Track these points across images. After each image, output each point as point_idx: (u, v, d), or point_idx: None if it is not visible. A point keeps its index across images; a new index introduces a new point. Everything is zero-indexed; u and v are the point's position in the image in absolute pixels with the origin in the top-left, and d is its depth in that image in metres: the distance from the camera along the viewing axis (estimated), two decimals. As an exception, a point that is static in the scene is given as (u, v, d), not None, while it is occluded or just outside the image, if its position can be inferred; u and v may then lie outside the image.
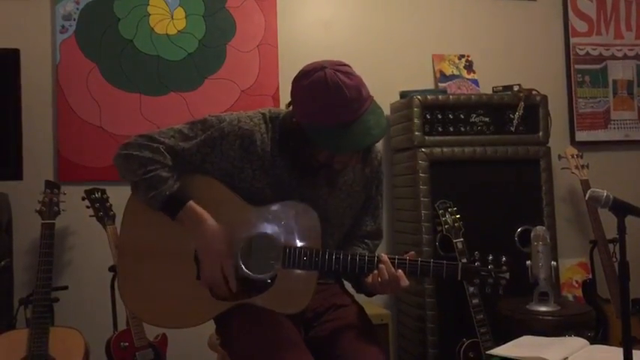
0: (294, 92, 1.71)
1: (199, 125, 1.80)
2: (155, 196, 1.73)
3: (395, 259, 1.74)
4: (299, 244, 1.74)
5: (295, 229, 1.75)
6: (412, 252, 1.81)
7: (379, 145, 1.94)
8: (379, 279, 1.72)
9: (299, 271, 1.73)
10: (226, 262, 1.72)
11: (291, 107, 1.75)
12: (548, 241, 2.66)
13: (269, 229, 1.76)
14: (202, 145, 1.77)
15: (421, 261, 1.76)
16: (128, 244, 1.81)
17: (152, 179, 1.73)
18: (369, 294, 1.87)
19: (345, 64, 1.68)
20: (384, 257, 1.74)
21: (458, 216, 2.82)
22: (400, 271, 1.72)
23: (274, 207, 1.77)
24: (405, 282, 1.72)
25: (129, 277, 1.79)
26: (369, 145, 1.73)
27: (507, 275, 1.80)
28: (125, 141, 1.81)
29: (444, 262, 1.76)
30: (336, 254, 1.74)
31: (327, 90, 1.61)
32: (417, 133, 3.02)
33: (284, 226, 1.75)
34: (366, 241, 1.97)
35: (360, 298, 1.98)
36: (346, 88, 1.61)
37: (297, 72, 1.70)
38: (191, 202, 1.75)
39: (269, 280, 1.74)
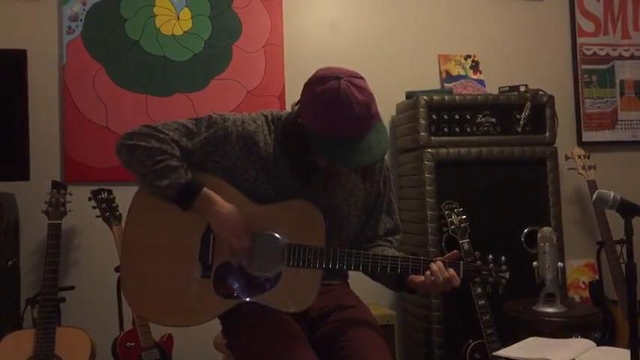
0: (304, 95, 1.69)
1: (204, 122, 1.80)
2: (170, 185, 1.72)
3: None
4: (303, 242, 1.74)
5: (299, 227, 1.75)
6: (455, 251, 1.82)
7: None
8: (432, 280, 1.71)
9: (303, 270, 1.73)
10: (244, 234, 1.72)
11: (297, 107, 1.74)
12: (555, 242, 2.65)
13: (273, 227, 1.76)
14: (205, 142, 1.77)
15: (423, 259, 1.76)
16: (131, 244, 1.80)
17: (163, 170, 1.72)
18: (412, 292, 1.86)
19: (361, 77, 1.66)
20: (439, 262, 1.74)
21: (464, 217, 2.81)
22: (452, 270, 1.72)
23: (278, 206, 1.77)
24: (457, 281, 1.73)
25: (132, 276, 1.79)
26: (366, 164, 1.72)
27: (507, 275, 1.80)
28: (128, 131, 1.78)
29: (447, 261, 1.76)
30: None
31: (338, 102, 1.59)
32: (422, 133, 3.01)
33: (288, 224, 1.75)
34: (388, 238, 1.97)
35: (366, 299, 1.98)
36: (356, 104, 1.59)
37: (312, 74, 1.68)
38: (206, 189, 1.74)
39: (273, 279, 1.74)
